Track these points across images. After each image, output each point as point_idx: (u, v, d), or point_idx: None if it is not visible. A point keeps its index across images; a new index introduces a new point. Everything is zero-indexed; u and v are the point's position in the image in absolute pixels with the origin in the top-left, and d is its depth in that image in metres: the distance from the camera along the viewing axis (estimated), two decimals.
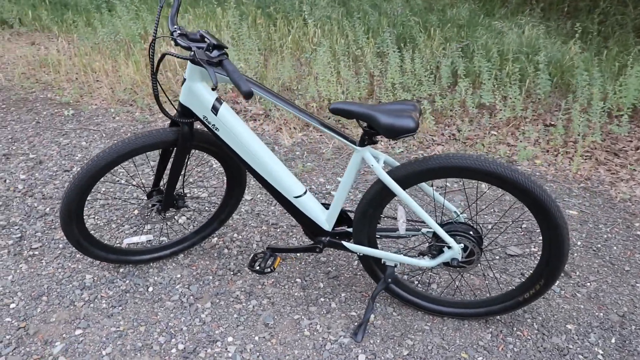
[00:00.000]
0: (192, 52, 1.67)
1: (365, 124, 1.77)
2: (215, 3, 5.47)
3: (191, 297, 2.23)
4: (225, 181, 2.27)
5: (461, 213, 1.99)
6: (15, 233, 2.58)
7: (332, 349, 2.01)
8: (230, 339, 2.04)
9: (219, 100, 1.88)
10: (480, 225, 2.65)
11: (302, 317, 2.14)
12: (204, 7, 5.40)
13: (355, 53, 4.32)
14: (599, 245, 2.59)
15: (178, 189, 2.21)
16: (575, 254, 2.53)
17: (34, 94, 4.17)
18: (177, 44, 1.72)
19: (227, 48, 1.74)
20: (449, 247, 1.90)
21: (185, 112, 1.92)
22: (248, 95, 1.52)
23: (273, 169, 1.96)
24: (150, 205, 2.20)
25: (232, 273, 2.36)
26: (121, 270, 2.36)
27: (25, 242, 2.53)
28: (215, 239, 2.57)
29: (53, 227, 2.63)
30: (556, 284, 2.33)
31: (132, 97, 4.00)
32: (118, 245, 2.44)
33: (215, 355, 1.97)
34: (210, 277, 2.33)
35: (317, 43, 4.53)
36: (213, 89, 1.62)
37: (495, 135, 3.52)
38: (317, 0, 5.29)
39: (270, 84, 4.00)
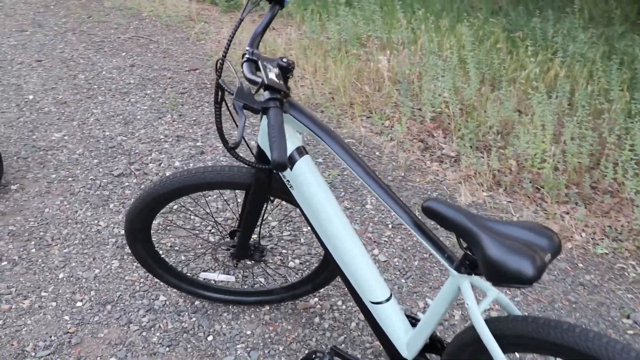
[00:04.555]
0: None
1: (465, 243, 1.16)
2: (465, 15, 4.92)
3: None
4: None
5: None
6: None
7: None
8: None
9: (300, 150, 1.43)
10: None
11: None
12: (446, 22, 4.89)
13: (599, 107, 3.42)
14: None
15: (256, 240, 1.83)
16: None
17: (235, 80, 4.15)
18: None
19: (286, 93, 1.28)
20: None
21: (263, 156, 1.51)
22: (278, 167, 1.05)
23: (351, 257, 1.44)
24: (226, 247, 1.86)
25: (305, 351, 1.91)
26: (196, 303, 2.07)
27: None
28: (316, 299, 2.13)
29: (161, 231, 2.47)
30: None
31: (327, 103, 3.72)
32: (196, 277, 2.14)
33: None
34: (281, 348, 1.91)
35: (550, 85, 3.72)
36: (232, 148, 1.17)
37: None
38: (577, 33, 4.38)
39: (477, 122, 3.35)
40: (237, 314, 2.03)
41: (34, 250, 2.31)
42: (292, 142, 1.41)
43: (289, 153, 1.40)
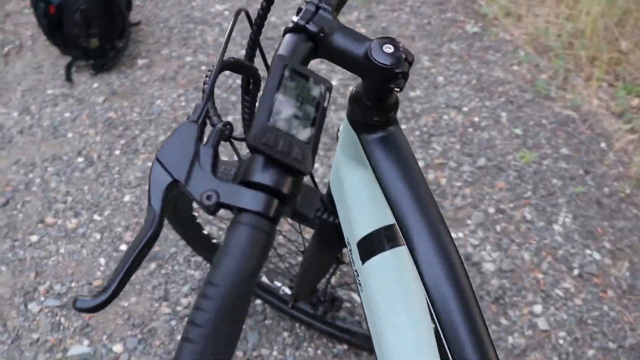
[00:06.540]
0: None
1: None
2: None
3: None
4: None
5: None
6: None
7: None
8: None
9: (389, 235, 0.69)
10: None
11: None
12: None
13: None
14: None
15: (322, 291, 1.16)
16: None
17: None
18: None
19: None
20: None
21: (331, 203, 0.79)
22: None
23: None
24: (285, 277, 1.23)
25: None
26: (257, 302, 1.51)
27: None
28: None
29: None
30: None
31: (560, 49, 2.70)
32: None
33: None
34: None
35: None
36: None
37: None
38: None
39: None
40: (302, 339, 1.45)
41: (118, 152, 1.90)
42: (374, 217, 0.69)
43: (362, 233, 0.68)
